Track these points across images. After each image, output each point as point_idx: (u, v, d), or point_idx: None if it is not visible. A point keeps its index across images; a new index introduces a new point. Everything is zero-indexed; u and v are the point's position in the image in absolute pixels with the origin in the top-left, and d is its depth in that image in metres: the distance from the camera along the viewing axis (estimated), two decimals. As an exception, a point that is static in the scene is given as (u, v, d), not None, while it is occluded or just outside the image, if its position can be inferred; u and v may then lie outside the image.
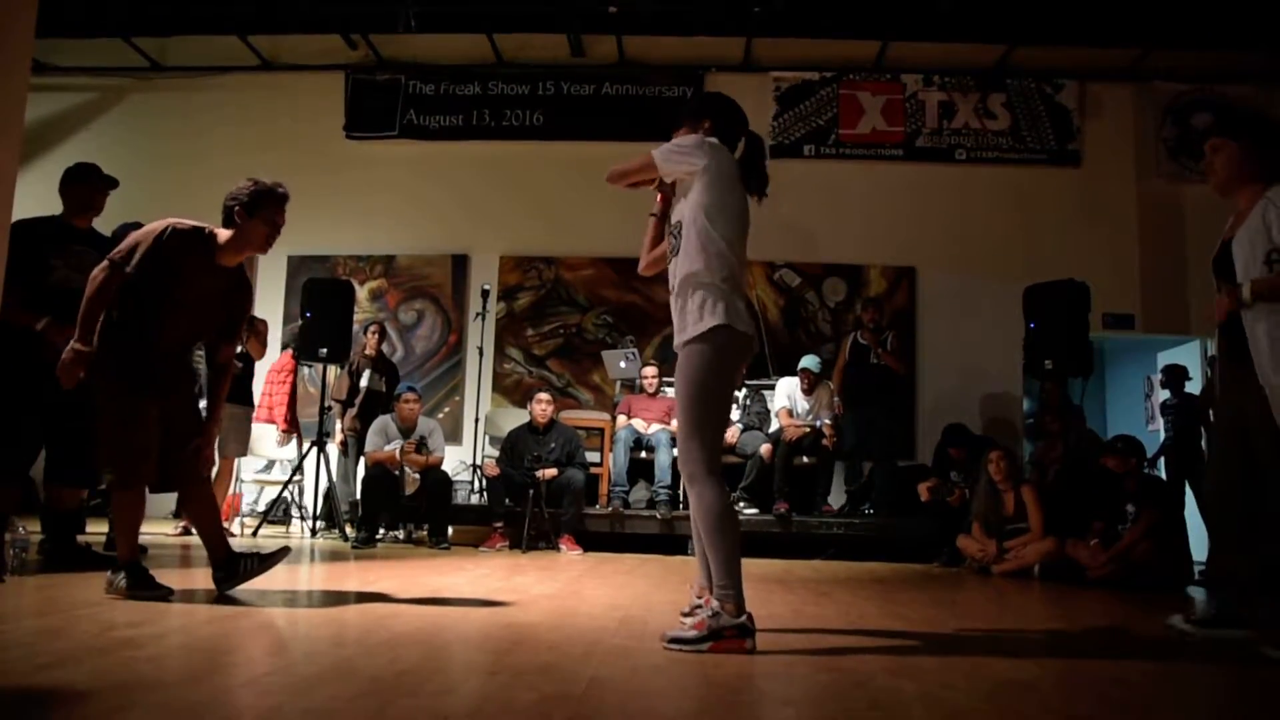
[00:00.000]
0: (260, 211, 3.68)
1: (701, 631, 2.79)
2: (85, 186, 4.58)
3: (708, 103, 3.38)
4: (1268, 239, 3.13)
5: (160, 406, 3.61)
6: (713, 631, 2.78)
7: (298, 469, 7.73)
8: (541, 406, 7.31)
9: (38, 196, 5.32)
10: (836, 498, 7.89)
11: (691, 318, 2.98)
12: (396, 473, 6.97)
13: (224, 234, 3.69)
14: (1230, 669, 3.10)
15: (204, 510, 3.79)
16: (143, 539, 5.49)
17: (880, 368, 7.82)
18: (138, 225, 5.40)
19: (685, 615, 3.20)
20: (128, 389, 3.54)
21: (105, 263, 3.51)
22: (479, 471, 7.95)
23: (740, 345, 2.99)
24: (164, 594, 3.46)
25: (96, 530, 5.70)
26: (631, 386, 8.32)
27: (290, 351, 8.24)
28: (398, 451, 6.98)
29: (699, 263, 2.98)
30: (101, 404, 3.54)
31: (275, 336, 8.64)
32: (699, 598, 3.15)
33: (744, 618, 2.82)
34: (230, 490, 7.39)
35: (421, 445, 7.06)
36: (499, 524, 7.11)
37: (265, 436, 7.92)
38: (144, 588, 3.45)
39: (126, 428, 3.53)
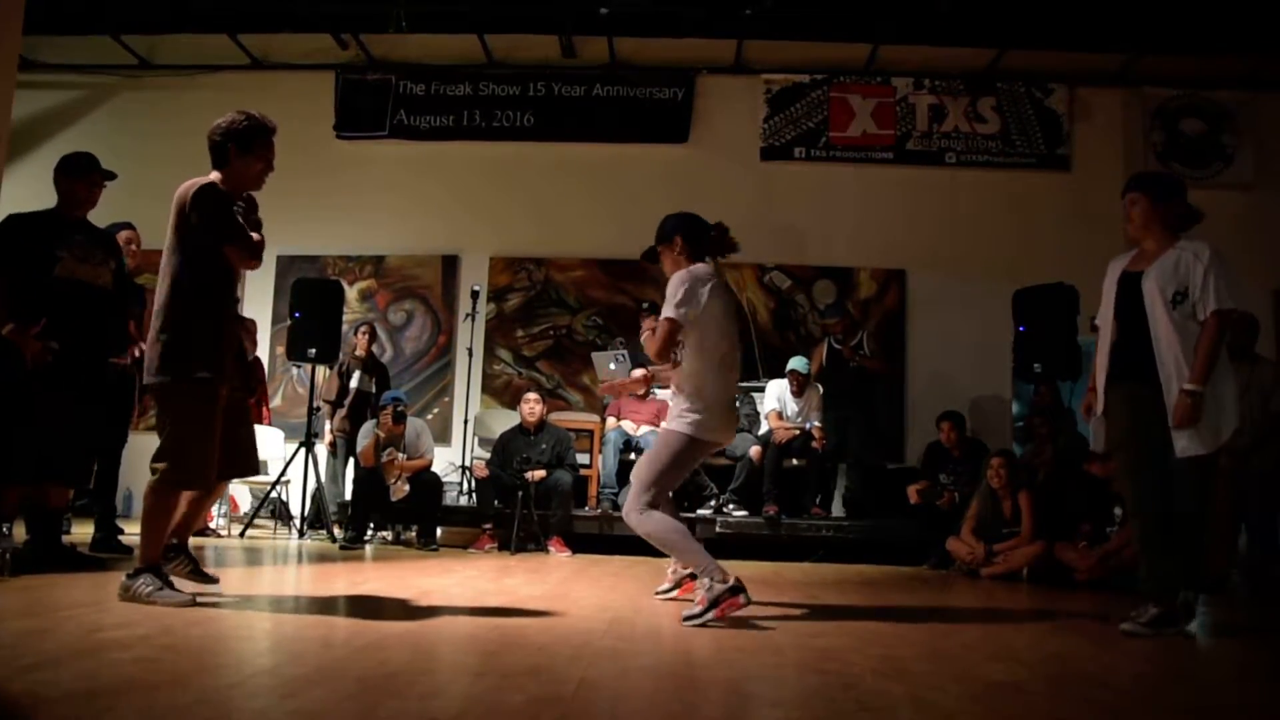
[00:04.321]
0: (255, 148, 3.58)
1: (704, 605, 3.46)
2: (83, 180, 4.51)
3: (672, 224, 4.05)
4: (1176, 280, 3.76)
5: (227, 391, 3.54)
6: (712, 601, 3.47)
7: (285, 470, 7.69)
8: (530, 406, 7.28)
9: (26, 194, 5.31)
10: (836, 508, 7.88)
11: (677, 414, 3.84)
12: (389, 483, 6.94)
13: (216, 176, 3.57)
14: (1215, 670, 3.12)
15: (214, 498, 3.77)
16: (130, 539, 5.49)
17: (857, 370, 7.83)
18: (127, 224, 5.39)
19: (662, 592, 4.27)
20: (212, 381, 3.41)
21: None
22: (468, 473, 7.94)
23: (702, 447, 3.90)
24: (185, 601, 3.30)
25: (82, 530, 5.68)
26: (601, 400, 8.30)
27: None
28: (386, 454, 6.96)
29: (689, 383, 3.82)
30: (180, 400, 3.38)
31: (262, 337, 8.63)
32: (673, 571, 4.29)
33: (732, 580, 3.51)
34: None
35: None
36: (488, 525, 7.10)
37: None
38: (167, 594, 3.32)
39: (207, 427, 3.41)
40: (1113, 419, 3.95)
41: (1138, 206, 4.00)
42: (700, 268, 3.90)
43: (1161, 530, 3.82)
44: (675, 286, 3.80)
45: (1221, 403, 3.69)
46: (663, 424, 3.90)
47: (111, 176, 4.64)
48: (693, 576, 4.02)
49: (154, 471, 3.39)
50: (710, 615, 3.45)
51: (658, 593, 4.36)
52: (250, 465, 3.77)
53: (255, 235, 3.57)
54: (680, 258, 3.98)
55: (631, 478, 3.92)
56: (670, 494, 4.10)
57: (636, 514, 3.78)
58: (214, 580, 3.68)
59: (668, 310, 3.78)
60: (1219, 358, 3.69)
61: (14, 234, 4.32)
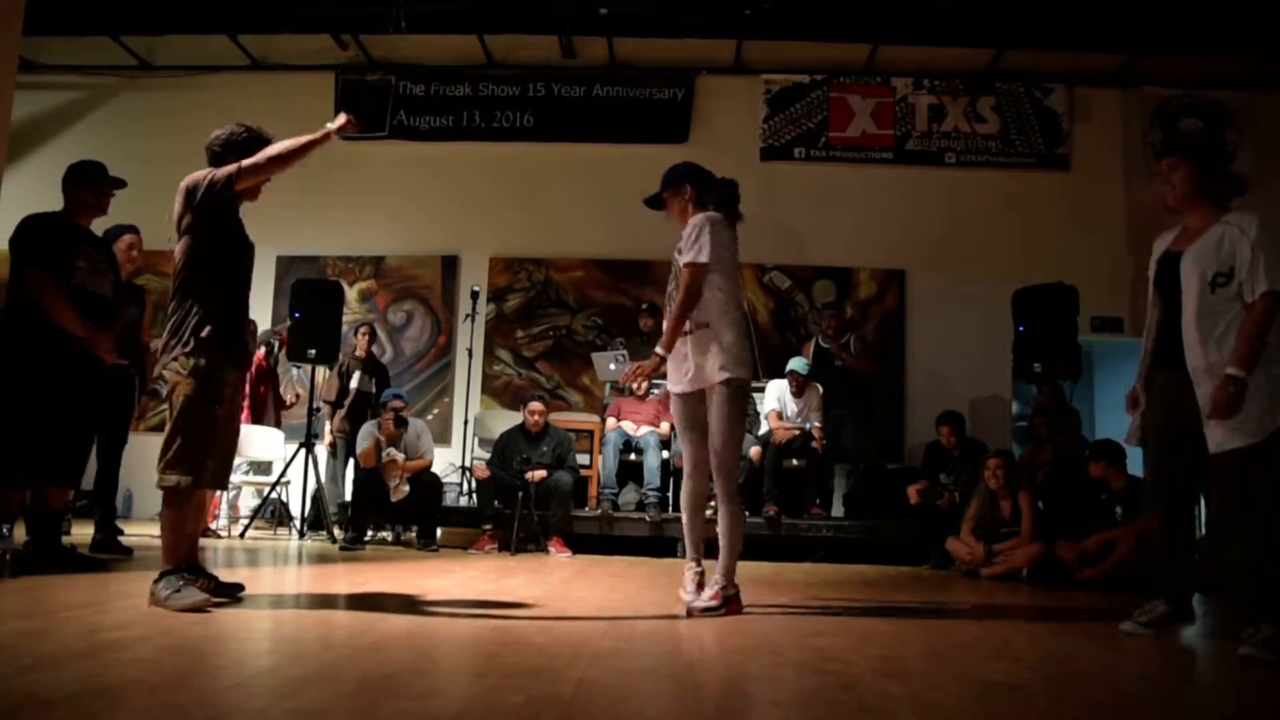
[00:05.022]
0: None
1: (718, 601, 3.75)
2: (93, 188, 4.53)
3: (682, 172, 4.10)
4: (1218, 260, 3.34)
5: (231, 389, 3.55)
6: (724, 600, 3.77)
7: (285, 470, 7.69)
8: (534, 418, 7.22)
9: (26, 195, 5.31)
10: (836, 509, 7.88)
11: (716, 362, 3.80)
12: (391, 484, 6.95)
13: None
14: (1216, 671, 3.12)
15: (202, 509, 3.76)
16: (130, 540, 5.50)
17: (845, 371, 7.81)
18: (131, 228, 5.40)
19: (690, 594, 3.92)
20: (220, 375, 3.43)
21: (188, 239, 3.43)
22: (468, 473, 7.94)
23: (746, 386, 3.93)
24: (193, 605, 3.27)
25: (82, 531, 5.68)
26: (621, 389, 8.30)
27: (261, 353, 8.08)
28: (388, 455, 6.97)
29: (717, 326, 3.84)
30: (194, 394, 3.39)
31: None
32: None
33: (735, 588, 3.85)
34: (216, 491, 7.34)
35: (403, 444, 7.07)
36: (488, 526, 7.10)
37: (252, 437, 7.88)
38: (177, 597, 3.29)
39: (214, 422, 3.43)
40: (1146, 407, 3.65)
41: (1178, 173, 3.53)
42: (709, 212, 3.93)
43: (1179, 530, 3.55)
44: (693, 231, 3.83)
45: (1276, 387, 3.23)
46: (713, 379, 3.81)
47: (121, 185, 4.66)
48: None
49: (161, 473, 3.38)
50: (722, 611, 3.72)
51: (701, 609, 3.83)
52: (226, 477, 3.75)
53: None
54: (689, 205, 4.01)
55: (712, 451, 3.83)
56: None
57: (734, 488, 3.87)
58: (240, 587, 3.66)
59: (689, 256, 3.79)
60: (1269, 343, 3.26)
61: (44, 238, 4.35)
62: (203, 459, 3.42)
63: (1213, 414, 3.27)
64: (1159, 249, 3.65)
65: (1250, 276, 3.26)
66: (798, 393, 7.67)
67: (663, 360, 3.85)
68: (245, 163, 3.47)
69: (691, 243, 3.81)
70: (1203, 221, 3.47)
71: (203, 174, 3.51)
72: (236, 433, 3.80)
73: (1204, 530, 4.65)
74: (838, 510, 7.83)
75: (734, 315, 3.87)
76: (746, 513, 7.20)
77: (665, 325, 3.91)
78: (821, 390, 7.80)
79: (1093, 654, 3.25)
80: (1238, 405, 3.22)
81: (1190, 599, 3.56)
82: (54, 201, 4.51)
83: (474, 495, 7.51)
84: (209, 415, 3.44)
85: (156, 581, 3.34)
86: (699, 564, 3.97)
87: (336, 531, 7.19)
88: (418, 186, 9.72)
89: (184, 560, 3.43)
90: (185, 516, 3.47)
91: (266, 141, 3.65)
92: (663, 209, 4.11)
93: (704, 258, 3.77)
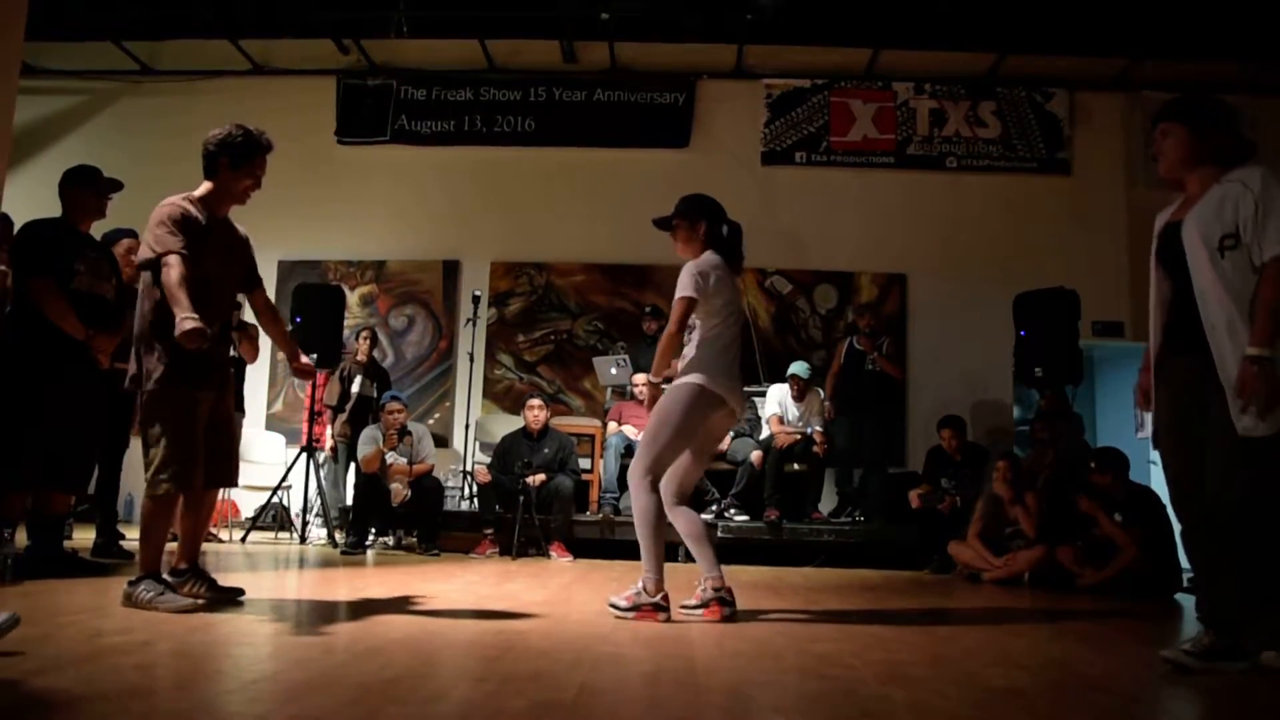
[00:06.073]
0: (245, 164, 3.59)
1: (630, 604, 3.65)
2: (91, 191, 4.57)
3: (701, 206, 3.98)
4: (1222, 223, 2.92)
5: (209, 400, 3.55)
6: (636, 605, 3.64)
7: (286, 475, 7.69)
8: (534, 413, 7.27)
9: (28, 199, 5.32)
10: (828, 503, 7.88)
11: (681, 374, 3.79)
12: (390, 485, 6.95)
13: (205, 187, 3.59)
14: (1220, 677, 3.11)
15: (207, 511, 3.75)
16: (131, 545, 5.49)
17: (875, 374, 7.79)
18: (130, 232, 5.41)
19: (688, 605, 3.77)
20: (187, 387, 3.44)
21: (174, 256, 3.34)
22: (469, 478, 7.94)
23: (710, 399, 3.76)
24: (188, 606, 3.34)
25: (83, 536, 5.68)
26: (622, 393, 8.30)
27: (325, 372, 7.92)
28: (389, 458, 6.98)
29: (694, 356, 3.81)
30: (159, 406, 3.41)
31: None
32: (702, 585, 3.79)
33: (659, 596, 3.65)
34: (220, 496, 7.33)
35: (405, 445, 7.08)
36: (489, 530, 7.09)
37: (255, 442, 7.88)
38: (169, 599, 3.34)
39: (187, 430, 3.43)
40: (1157, 401, 3.16)
41: (1171, 138, 3.13)
42: (711, 256, 3.87)
43: (1215, 539, 2.97)
44: (688, 272, 3.78)
45: None
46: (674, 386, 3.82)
47: (118, 187, 4.69)
48: (721, 602, 3.73)
49: (148, 481, 3.41)
50: (630, 615, 3.63)
51: (682, 607, 3.81)
52: (230, 475, 3.76)
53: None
54: (696, 241, 3.94)
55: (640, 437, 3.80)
56: (688, 494, 3.92)
57: (639, 478, 3.73)
58: (239, 591, 3.67)
59: (683, 291, 3.74)
60: None
61: (43, 242, 4.39)
62: (188, 469, 3.43)
63: (1240, 398, 2.81)
64: (1159, 224, 3.20)
65: (1257, 237, 2.84)
66: (799, 397, 7.67)
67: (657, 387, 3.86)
68: (165, 273, 3.35)
69: (683, 283, 3.76)
70: (1202, 185, 3.05)
71: (162, 224, 3.43)
72: (233, 441, 3.80)
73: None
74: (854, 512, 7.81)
75: (713, 359, 3.79)
76: (735, 511, 7.28)
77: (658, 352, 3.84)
78: (822, 395, 7.80)
79: (1094, 659, 3.24)
80: (1268, 385, 2.75)
81: (1240, 627, 2.92)
82: (57, 206, 4.53)
83: (475, 500, 7.51)
84: (190, 432, 3.46)
85: (135, 584, 3.35)
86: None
87: (338, 535, 7.19)
88: (419, 191, 9.73)
89: (159, 565, 3.43)
90: (166, 522, 3.51)
91: (263, 149, 3.63)
92: (669, 231, 4.05)
93: (687, 293, 3.73)
